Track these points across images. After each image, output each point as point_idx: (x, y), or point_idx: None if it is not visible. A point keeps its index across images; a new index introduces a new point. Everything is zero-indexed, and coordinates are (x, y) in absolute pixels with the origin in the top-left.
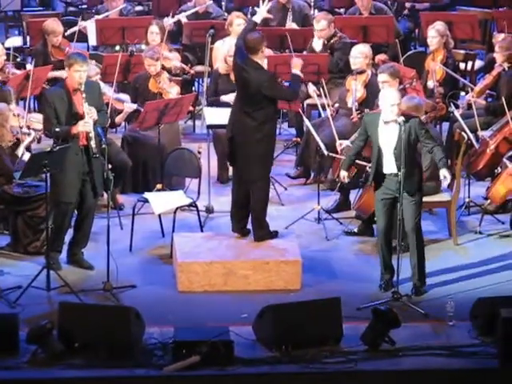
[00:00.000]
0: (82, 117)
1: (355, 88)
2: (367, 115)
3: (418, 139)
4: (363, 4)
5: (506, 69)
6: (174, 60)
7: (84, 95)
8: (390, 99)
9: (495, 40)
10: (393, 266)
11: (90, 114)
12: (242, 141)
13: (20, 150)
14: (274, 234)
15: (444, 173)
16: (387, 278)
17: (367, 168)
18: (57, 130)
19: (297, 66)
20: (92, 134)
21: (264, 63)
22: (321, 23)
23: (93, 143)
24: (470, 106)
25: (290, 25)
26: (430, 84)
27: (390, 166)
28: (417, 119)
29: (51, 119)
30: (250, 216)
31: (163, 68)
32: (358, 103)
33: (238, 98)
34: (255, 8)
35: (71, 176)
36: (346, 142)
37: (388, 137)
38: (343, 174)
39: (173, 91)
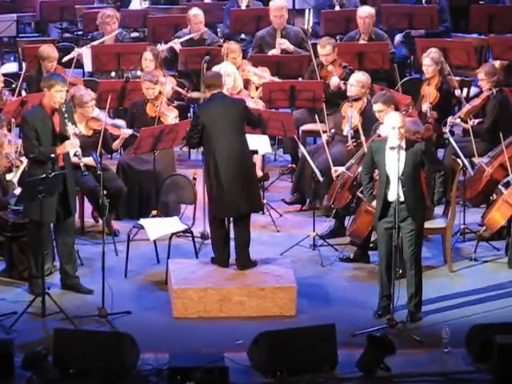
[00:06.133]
0: (60, 137)
1: (351, 115)
2: (373, 142)
3: (422, 164)
4: (365, 28)
5: (495, 93)
6: (168, 84)
7: (66, 115)
8: (391, 122)
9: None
10: (391, 293)
11: (75, 133)
12: (236, 177)
13: (16, 177)
14: (255, 263)
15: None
16: (385, 305)
17: (358, 192)
18: (41, 150)
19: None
20: (79, 153)
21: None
22: (326, 48)
23: (81, 162)
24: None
25: (280, 42)
26: (425, 107)
27: (394, 194)
28: (423, 143)
29: (32, 141)
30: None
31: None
32: (353, 131)
33: (213, 144)
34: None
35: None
36: (341, 169)
37: (394, 163)
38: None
39: (171, 115)
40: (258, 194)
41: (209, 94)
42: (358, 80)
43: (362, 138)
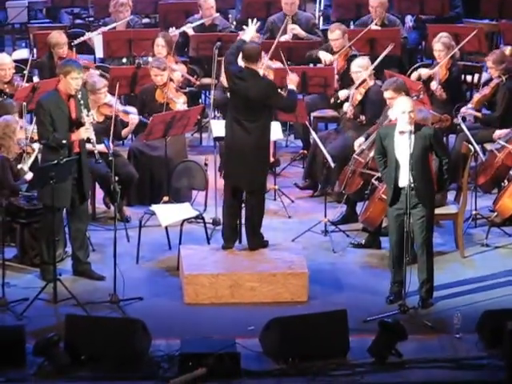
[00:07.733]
0: (75, 123)
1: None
2: (381, 128)
3: (431, 148)
4: (376, 13)
5: (504, 80)
6: (177, 72)
7: (82, 102)
8: (401, 107)
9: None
10: (403, 279)
11: (89, 119)
12: (242, 152)
13: (27, 164)
14: (267, 243)
15: None
16: (396, 291)
17: (373, 180)
18: (55, 136)
19: (292, 82)
20: (93, 140)
21: (261, 73)
22: (335, 33)
23: (95, 149)
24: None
25: (291, 27)
26: (434, 84)
27: (405, 179)
28: (432, 128)
29: (47, 126)
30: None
31: (171, 80)
32: (353, 107)
33: (233, 109)
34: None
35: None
36: (361, 139)
37: (404, 148)
38: None
39: (180, 101)
40: (259, 176)
41: (244, 65)
42: (361, 65)
43: (362, 117)
